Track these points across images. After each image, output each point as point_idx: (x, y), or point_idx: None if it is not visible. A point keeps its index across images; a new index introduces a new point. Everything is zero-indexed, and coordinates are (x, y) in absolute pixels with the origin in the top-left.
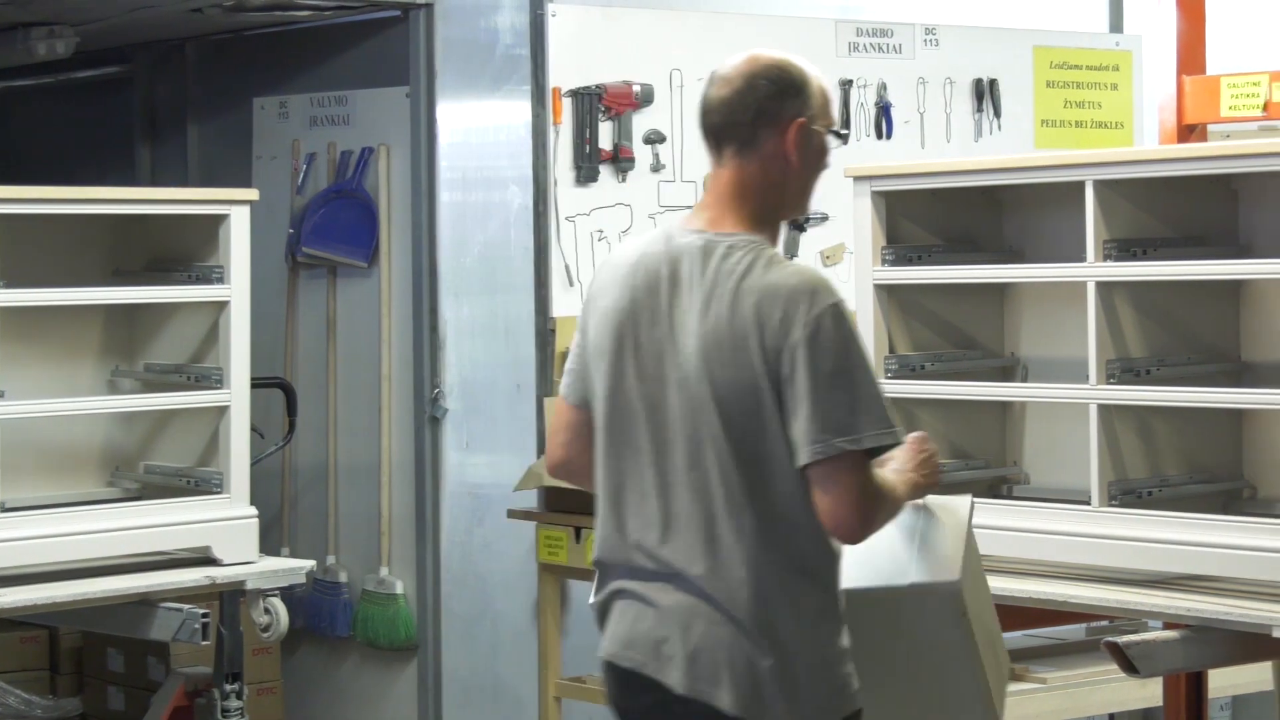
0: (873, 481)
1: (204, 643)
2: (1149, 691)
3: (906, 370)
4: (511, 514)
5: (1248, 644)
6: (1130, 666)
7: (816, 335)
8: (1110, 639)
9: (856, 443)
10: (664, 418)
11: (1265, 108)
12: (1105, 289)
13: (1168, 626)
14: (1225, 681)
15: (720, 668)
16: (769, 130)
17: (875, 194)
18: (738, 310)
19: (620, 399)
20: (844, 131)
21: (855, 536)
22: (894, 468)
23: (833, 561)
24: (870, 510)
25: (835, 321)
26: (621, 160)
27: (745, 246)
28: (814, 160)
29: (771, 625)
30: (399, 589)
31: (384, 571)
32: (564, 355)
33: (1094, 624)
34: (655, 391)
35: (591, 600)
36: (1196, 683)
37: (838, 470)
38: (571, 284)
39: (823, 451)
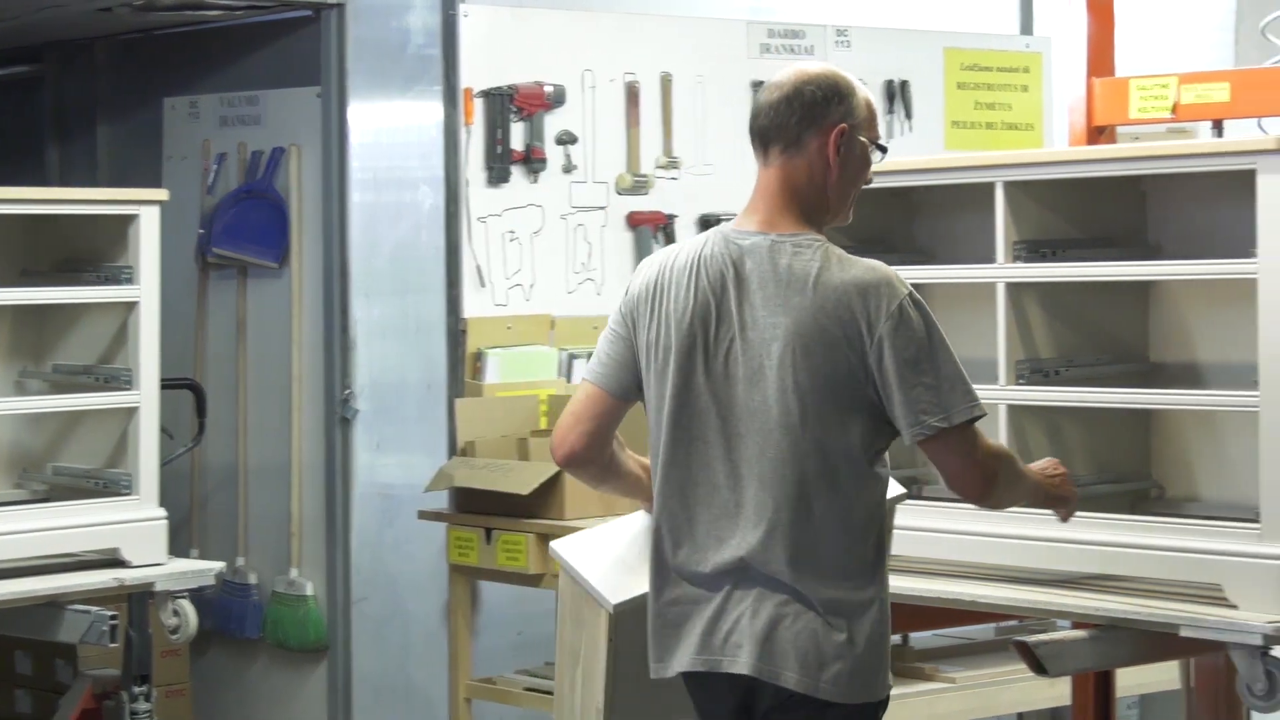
0: (979, 449)
1: (112, 645)
2: (1057, 691)
3: None
4: (422, 515)
5: (1155, 643)
6: (1039, 666)
7: (899, 325)
8: (1019, 639)
9: (947, 420)
10: (735, 411)
11: (1174, 110)
12: (1015, 290)
13: (1076, 626)
14: (1133, 680)
15: (792, 651)
16: (813, 133)
17: None
18: (820, 306)
19: (690, 395)
20: (885, 145)
21: (982, 498)
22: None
23: (883, 552)
24: (983, 474)
25: (915, 309)
26: (533, 161)
27: (811, 245)
28: (855, 167)
29: (839, 605)
30: (309, 590)
31: (294, 573)
32: (475, 356)
33: (1003, 624)
34: (725, 388)
35: (658, 602)
36: (1104, 682)
37: (942, 446)
38: (483, 284)
39: (921, 433)
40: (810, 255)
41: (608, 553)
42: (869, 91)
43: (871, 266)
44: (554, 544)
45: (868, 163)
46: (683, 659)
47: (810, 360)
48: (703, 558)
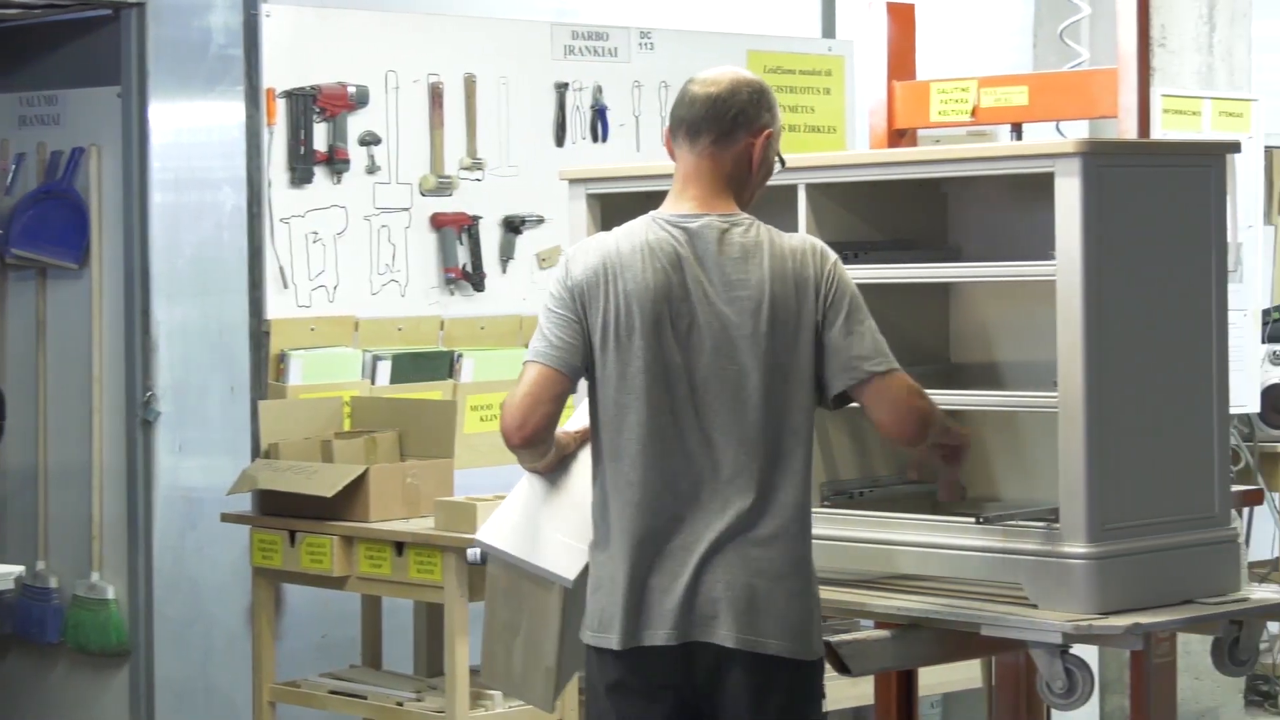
0: (914, 385)
1: None
2: (860, 690)
3: None
4: (225, 518)
5: (957, 642)
6: (842, 666)
7: (839, 282)
8: (823, 638)
9: (888, 364)
10: (703, 380)
11: (974, 113)
12: None
13: (879, 626)
14: (935, 679)
15: (773, 618)
16: (744, 131)
17: (590, 197)
18: (777, 272)
19: (659, 368)
20: (785, 160)
21: (920, 435)
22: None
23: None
24: (921, 412)
25: (843, 270)
26: (336, 162)
27: (751, 222)
28: (767, 171)
29: (806, 563)
30: (110, 594)
31: (95, 576)
32: (278, 357)
33: None
34: (696, 359)
35: (635, 574)
36: (907, 681)
37: (895, 384)
38: (286, 285)
39: (883, 365)
40: (755, 231)
41: (536, 530)
42: None
43: (804, 235)
44: (479, 534)
45: (773, 169)
46: (659, 632)
47: (776, 325)
48: (681, 527)
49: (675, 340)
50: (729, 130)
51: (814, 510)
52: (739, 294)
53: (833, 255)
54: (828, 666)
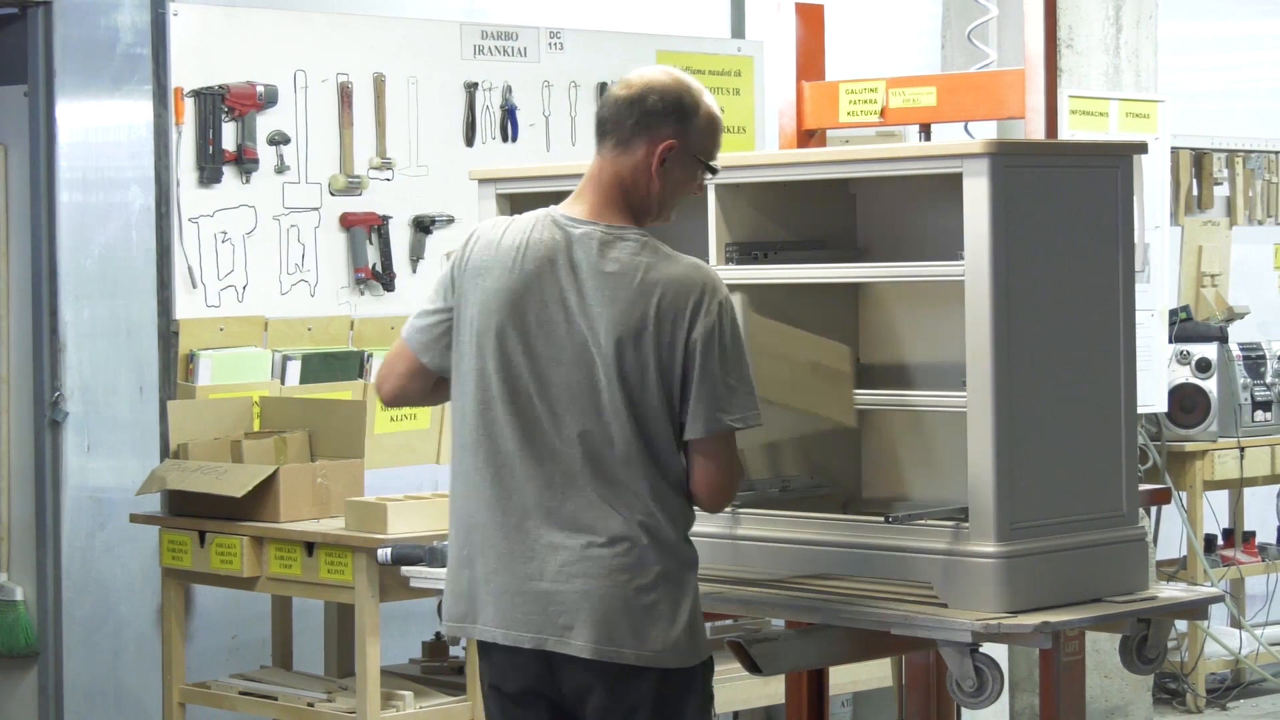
0: (736, 457)
1: None
2: (771, 689)
3: None
4: (134, 518)
5: (867, 641)
6: (753, 665)
7: (714, 327)
8: (733, 638)
9: (742, 421)
10: (556, 391)
11: (882, 114)
12: None
13: (789, 625)
14: (846, 678)
15: (619, 621)
16: (643, 140)
17: (500, 196)
18: (648, 298)
19: (510, 373)
20: (717, 166)
21: (722, 504)
22: None
23: (690, 521)
24: (733, 481)
25: (730, 312)
26: (245, 161)
27: (638, 240)
28: (676, 181)
29: (654, 572)
30: (19, 595)
31: (3, 578)
32: (187, 358)
33: (718, 623)
34: (547, 367)
35: (452, 577)
36: (817, 680)
37: (723, 445)
38: (195, 285)
39: (714, 429)
40: (637, 249)
41: None
42: (718, 111)
43: (695, 264)
44: None
45: (693, 179)
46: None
47: (635, 350)
48: (516, 532)
49: (527, 347)
50: (628, 138)
51: (724, 509)
52: (601, 311)
53: (721, 294)
54: (739, 666)
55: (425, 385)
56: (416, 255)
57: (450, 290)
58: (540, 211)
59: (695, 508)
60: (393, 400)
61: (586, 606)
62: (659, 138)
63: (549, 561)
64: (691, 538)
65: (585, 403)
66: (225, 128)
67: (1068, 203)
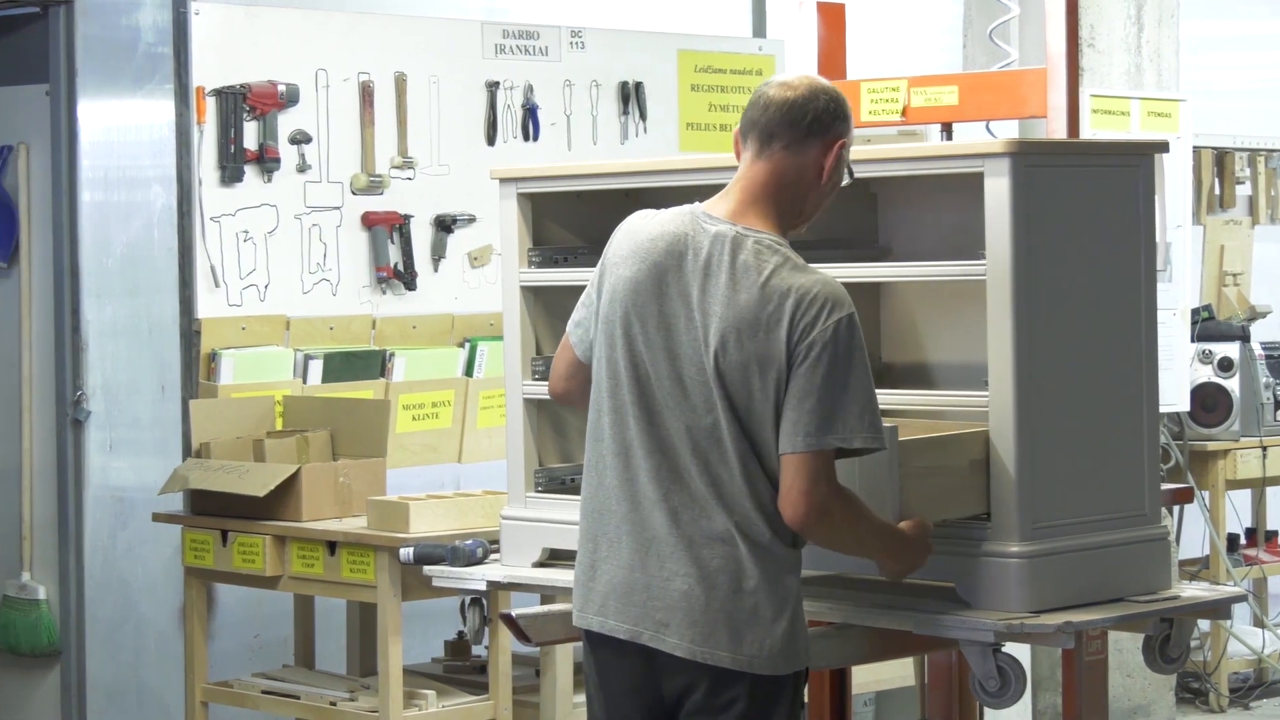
0: (845, 492)
1: None
2: None
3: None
4: (156, 517)
5: (889, 641)
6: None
7: (832, 339)
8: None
9: (847, 441)
10: (671, 384)
11: (904, 113)
12: None
13: (812, 624)
14: (869, 677)
15: (715, 622)
16: (817, 140)
17: (521, 196)
18: (766, 303)
19: (633, 361)
20: (855, 172)
21: (809, 525)
22: (896, 528)
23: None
24: (826, 511)
25: (849, 330)
26: (267, 160)
27: (773, 246)
28: (836, 182)
29: (753, 575)
30: (41, 594)
31: (25, 577)
32: (209, 357)
33: None
34: (665, 359)
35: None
36: (840, 679)
37: (815, 464)
38: (216, 285)
39: (815, 444)
40: (769, 256)
41: None
42: None
43: (825, 279)
44: None
45: (842, 181)
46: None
47: (741, 350)
48: (625, 522)
49: (647, 339)
50: (803, 137)
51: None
52: (717, 309)
53: (843, 310)
54: None
55: (588, 381)
56: (438, 254)
57: (597, 280)
58: (685, 207)
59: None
60: (562, 399)
61: (684, 606)
62: (834, 136)
63: (653, 555)
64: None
65: (696, 398)
66: (247, 127)
67: (1089, 202)
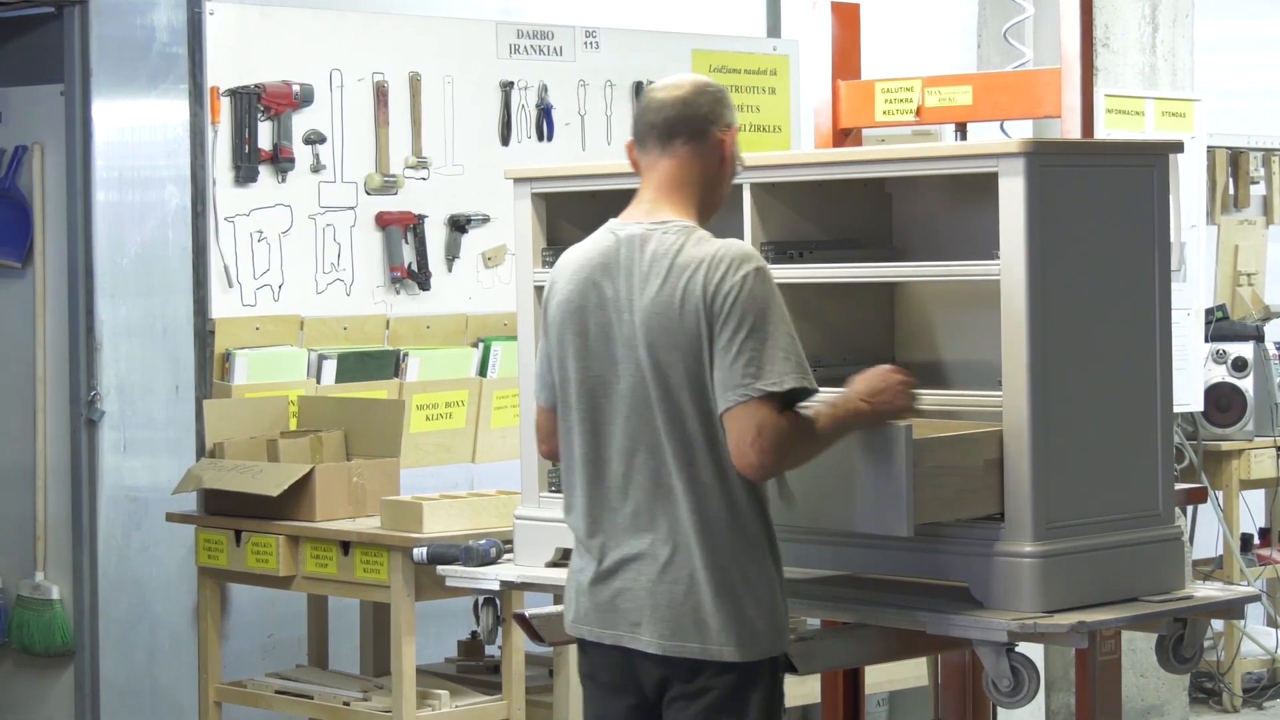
0: (786, 423)
1: None
2: (807, 689)
3: None
4: (170, 517)
5: (903, 640)
6: (789, 665)
7: (746, 294)
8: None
9: (778, 385)
10: (617, 390)
11: (918, 113)
12: None
13: (825, 625)
14: (882, 677)
15: (682, 616)
16: (714, 128)
17: (535, 195)
18: (678, 280)
19: (582, 379)
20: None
21: (765, 470)
22: (841, 396)
23: (762, 507)
24: (779, 450)
25: (760, 281)
26: (281, 160)
27: (678, 230)
28: (734, 168)
29: (718, 566)
30: (55, 594)
31: (39, 577)
32: (223, 356)
33: None
34: (608, 368)
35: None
36: (853, 679)
37: (753, 412)
38: (231, 285)
39: (749, 394)
40: (675, 238)
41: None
42: None
43: (726, 243)
44: None
45: (738, 166)
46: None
47: (665, 335)
48: (595, 534)
49: (591, 351)
50: (703, 130)
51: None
52: (639, 303)
53: (747, 266)
54: None
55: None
56: (452, 254)
57: (543, 327)
58: (607, 224)
59: (759, 494)
60: (553, 457)
61: (650, 604)
62: (727, 123)
63: (615, 560)
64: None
65: (636, 401)
66: (261, 127)
67: (1104, 202)
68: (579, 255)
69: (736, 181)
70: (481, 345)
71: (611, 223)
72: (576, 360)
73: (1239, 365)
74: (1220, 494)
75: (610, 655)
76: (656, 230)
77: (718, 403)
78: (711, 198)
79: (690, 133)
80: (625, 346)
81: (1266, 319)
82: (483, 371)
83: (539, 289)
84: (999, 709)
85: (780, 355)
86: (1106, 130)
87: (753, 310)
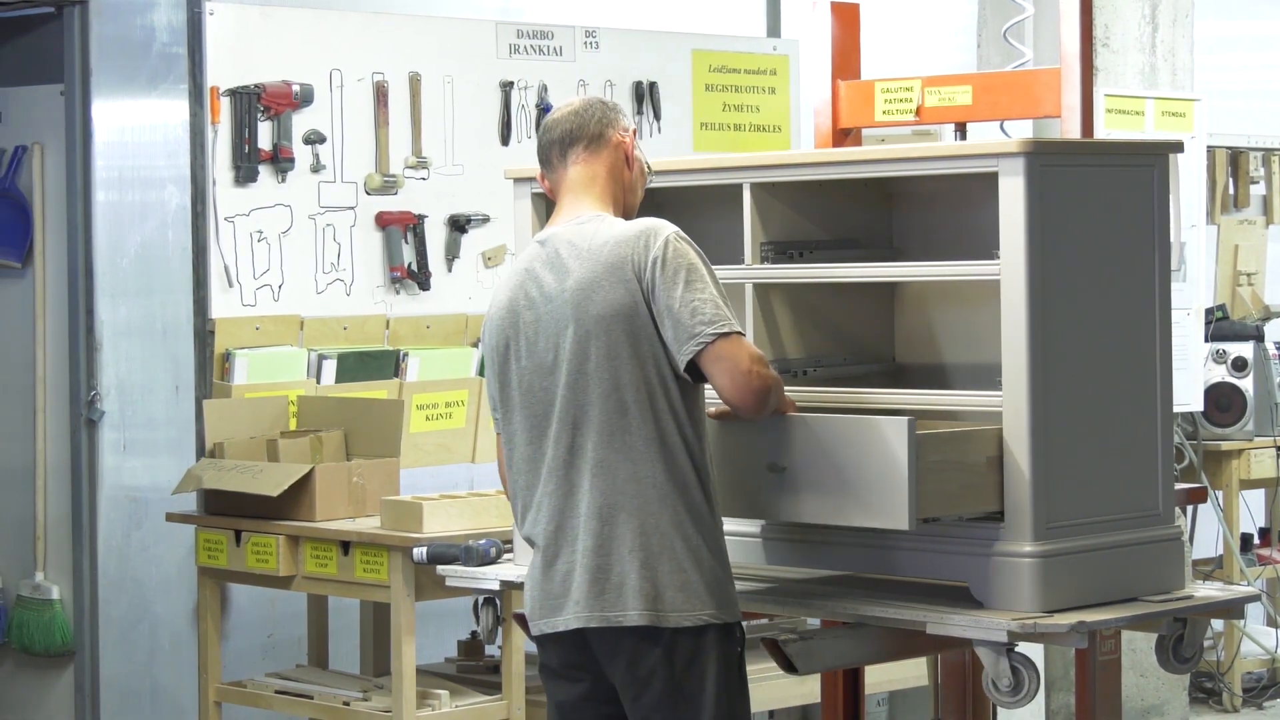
0: (756, 352)
1: None
2: (807, 689)
3: None
4: (170, 517)
5: (903, 640)
6: (788, 664)
7: (671, 258)
8: (768, 637)
9: (728, 327)
10: (554, 377)
11: (918, 113)
12: (763, 291)
13: (825, 624)
14: (882, 677)
15: (627, 589)
16: (611, 132)
17: (535, 195)
18: (594, 260)
19: (520, 379)
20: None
21: (759, 406)
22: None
23: (707, 473)
24: (771, 375)
25: (678, 243)
26: (281, 160)
27: (591, 218)
28: (639, 169)
29: (655, 531)
30: (55, 594)
31: (39, 577)
32: (223, 357)
33: (753, 622)
34: (545, 355)
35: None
36: (853, 679)
37: (724, 352)
38: (231, 285)
39: (704, 340)
40: (591, 225)
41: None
42: None
43: (640, 219)
44: None
45: (646, 171)
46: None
47: (598, 309)
48: (537, 524)
49: (529, 352)
50: (599, 134)
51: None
52: (565, 297)
53: (664, 232)
54: (775, 665)
55: None
56: (452, 254)
57: (486, 359)
58: (535, 236)
59: (696, 462)
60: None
61: (584, 580)
62: (622, 127)
63: (554, 545)
64: (704, 499)
65: (570, 379)
66: (261, 127)
67: (1104, 202)
68: (507, 274)
69: (734, 180)
70: (481, 345)
71: (532, 240)
72: (515, 362)
73: (1239, 365)
74: (1220, 494)
75: (561, 641)
76: (572, 224)
77: (682, 352)
78: (625, 196)
79: (589, 138)
80: (558, 332)
81: (1266, 319)
82: (482, 371)
83: None
84: (999, 709)
85: (723, 303)
86: (1106, 130)
87: (684, 265)
